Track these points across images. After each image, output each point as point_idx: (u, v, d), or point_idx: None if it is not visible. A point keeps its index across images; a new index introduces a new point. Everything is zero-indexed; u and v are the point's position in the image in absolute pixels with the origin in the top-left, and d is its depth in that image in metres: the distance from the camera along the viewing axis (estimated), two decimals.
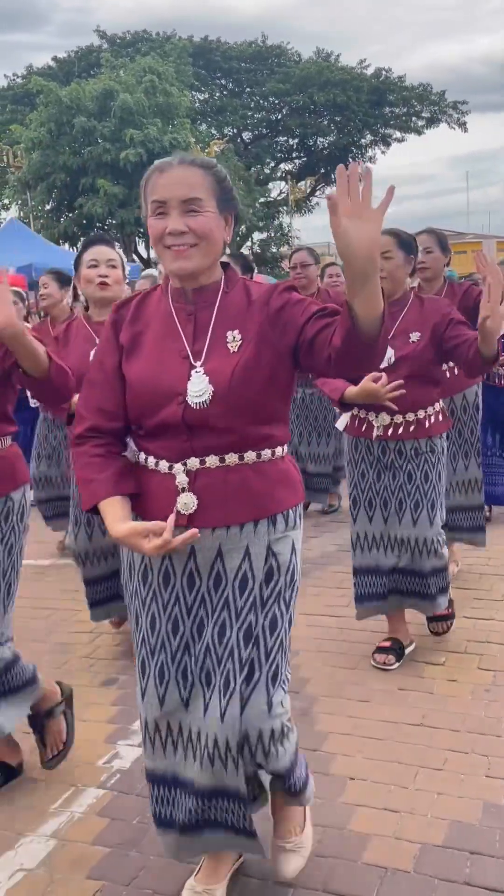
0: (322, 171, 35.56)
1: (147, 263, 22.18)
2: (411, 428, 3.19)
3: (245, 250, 33.65)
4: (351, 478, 3.38)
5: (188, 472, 1.87)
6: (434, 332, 3.14)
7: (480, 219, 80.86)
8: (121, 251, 3.34)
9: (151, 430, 1.90)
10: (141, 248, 26.70)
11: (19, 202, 25.57)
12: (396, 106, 35.01)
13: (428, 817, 2.39)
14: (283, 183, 35.71)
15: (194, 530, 1.78)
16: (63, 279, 5.09)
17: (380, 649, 3.39)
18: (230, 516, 1.88)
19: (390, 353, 3.08)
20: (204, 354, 1.88)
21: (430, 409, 3.22)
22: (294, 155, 37.53)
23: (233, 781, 1.90)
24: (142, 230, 22.06)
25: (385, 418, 3.19)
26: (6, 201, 29.08)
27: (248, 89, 35.60)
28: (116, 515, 1.85)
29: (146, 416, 1.90)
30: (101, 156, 22.06)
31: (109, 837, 2.39)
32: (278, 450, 1.95)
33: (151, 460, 1.92)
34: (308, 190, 35.18)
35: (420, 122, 35.60)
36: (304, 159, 36.86)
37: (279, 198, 34.76)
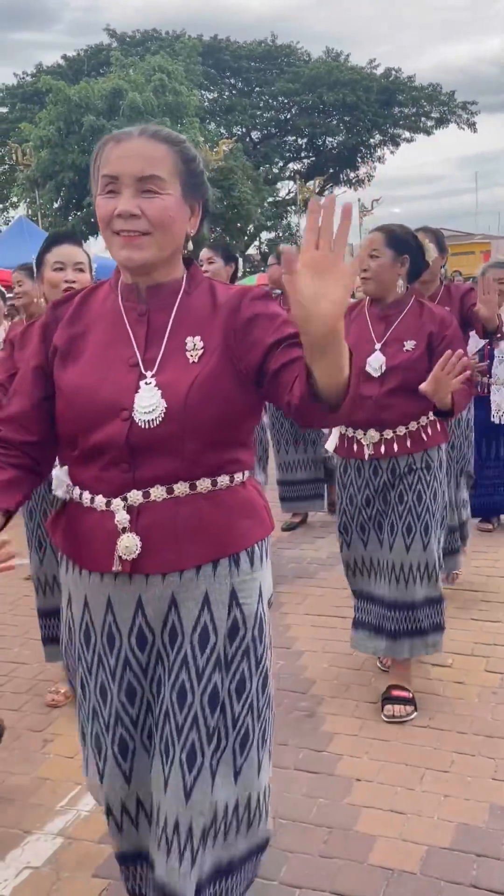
0: (331, 170, 35.67)
1: None
2: (408, 442, 2.90)
3: (253, 250, 33.74)
4: (340, 503, 3.11)
5: (129, 509, 1.55)
6: (429, 342, 2.89)
7: (489, 219, 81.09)
8: (87, 249, 3.14)
9: (87, 452, 1.58)
10: None
11: (28, 200, 25.67)
12: (406, 106, 35.09)
13: (434, 819, 2.38)
14: (291, 182, 35.72)
15: None
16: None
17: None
18: (183, 559, 1.57)
19: (381, 362, 2.89)
20: (157, 364, 1.56)
21: (423, 420, 2.90)
22: (303, 154, 37.63)
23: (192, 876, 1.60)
24: None
25: (374, 435, 2.91)
26: (15, 199, 29.28)
27: (257, 89, 35.70)
28: None
29: (81, 434, 1.58)
30: None
31: None
32: (238, 475, 1.62)
33: (87, 496, 1.60)
34: (316, 190, 35.10)
35: (429, 123, 35.76)
36: (313, 159, 36.93)
37: (288, 197, 34.82)
